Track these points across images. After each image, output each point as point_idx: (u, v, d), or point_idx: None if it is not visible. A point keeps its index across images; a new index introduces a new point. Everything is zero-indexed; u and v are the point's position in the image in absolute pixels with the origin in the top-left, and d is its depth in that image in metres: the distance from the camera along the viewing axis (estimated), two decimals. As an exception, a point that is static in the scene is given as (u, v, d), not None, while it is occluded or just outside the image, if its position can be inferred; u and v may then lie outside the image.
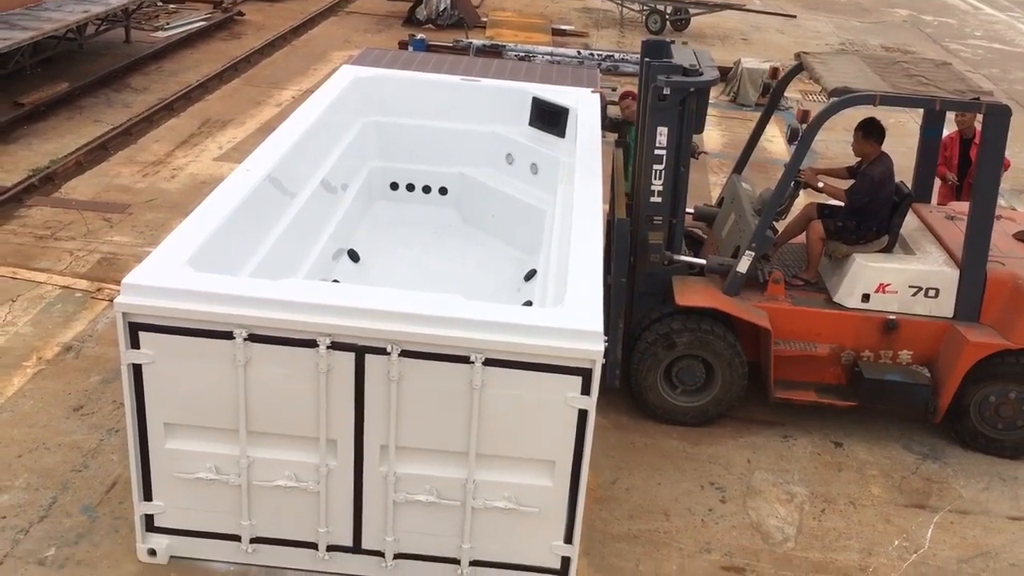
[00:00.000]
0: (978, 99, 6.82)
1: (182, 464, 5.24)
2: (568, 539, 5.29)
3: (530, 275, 7.61)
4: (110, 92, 13.74)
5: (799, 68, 7.82)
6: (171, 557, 5.46)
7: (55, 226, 9.63)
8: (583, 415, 4.97)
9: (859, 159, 7.47)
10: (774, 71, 15.23)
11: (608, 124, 9.17)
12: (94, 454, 6.37)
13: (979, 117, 6.94)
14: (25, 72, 13.13)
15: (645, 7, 19.94)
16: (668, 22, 19.70)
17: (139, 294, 4.89)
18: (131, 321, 4.91)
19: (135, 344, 4.95)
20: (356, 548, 5.39)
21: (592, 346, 4.82)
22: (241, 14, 18.53)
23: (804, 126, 6.85)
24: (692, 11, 19.91)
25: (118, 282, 8.44)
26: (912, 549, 6.22)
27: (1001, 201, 11.61)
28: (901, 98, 6.82)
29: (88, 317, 8.04)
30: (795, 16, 21.53)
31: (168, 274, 5.02)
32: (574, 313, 4.98)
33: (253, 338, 4.89)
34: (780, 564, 5.99)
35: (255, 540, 5.40)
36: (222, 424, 5.14)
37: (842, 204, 7.35)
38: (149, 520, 5.39)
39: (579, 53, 16.48)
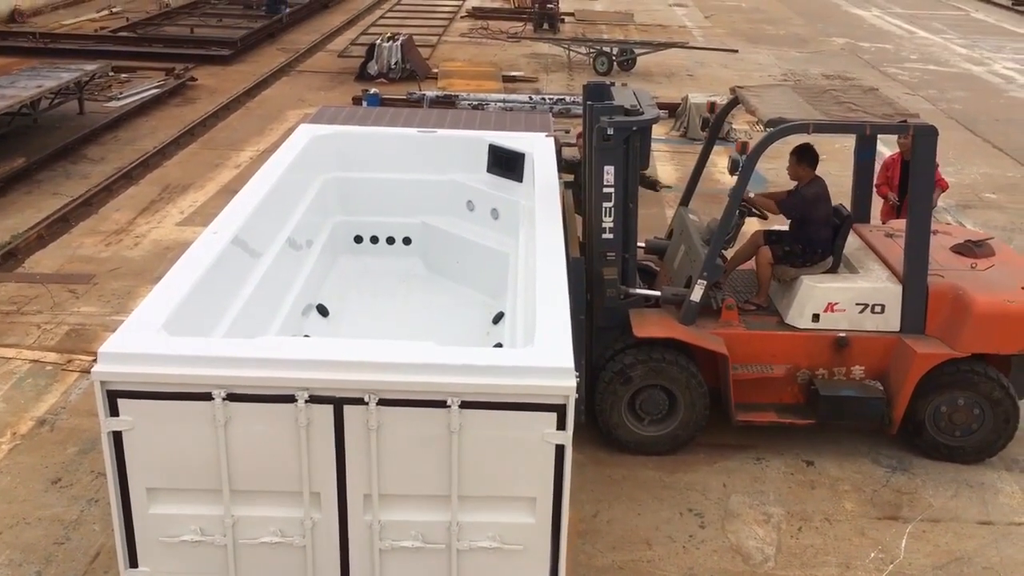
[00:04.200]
0: (905, 122, 7.13)
1: (167, 528, 5.25)
2: (554, 574, 5.37)
3: (498, 318, 7.74)
4: (67, 164, 13.78)
5: (735, 102, 8.10)
6: (161, 621, 5.47)
7: (21, 301, 9.63)
8: (560, 450, 5.07)
9: (795, 182, 7.76)
10: (711, 105, 15.54)
11: (564, 166, 9.37)
12: (75, 525, 6.36)
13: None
14: (-20, 150, 13.16)
15: (592, 49, 20.39)
16: (615, 63, 20.14)
17: (116, 362, 4.94)
18: (109, 389, 4.95)
19: (114, 412, 4.98)
20: (345, 599, 5.43)
21: (565, 382, 4.94)
22: (194, 79, 18.68)
23: (744, 157, 7.10)
24: (637, 51, 20.40)
25: (88, 353, 8.57)
26: (888, 560, 6.38)
27: (948, 217, 12.01)
28: (833, 125, 7.11)
29: (60, 389, 8.03)
30: (737, 51, 22.10)
31: (144, 340, 5.08)
32: (545, 351, 5.10)
33: (232, 397, 4.95)
34: (762, 584, 6.12)
35: (244, 598, 5.42)
36: (205, 485, 5.17)
37: (787, 230, 7.61)
38: (136, 586, 5.40)
39: (531, 98, 16.81)
